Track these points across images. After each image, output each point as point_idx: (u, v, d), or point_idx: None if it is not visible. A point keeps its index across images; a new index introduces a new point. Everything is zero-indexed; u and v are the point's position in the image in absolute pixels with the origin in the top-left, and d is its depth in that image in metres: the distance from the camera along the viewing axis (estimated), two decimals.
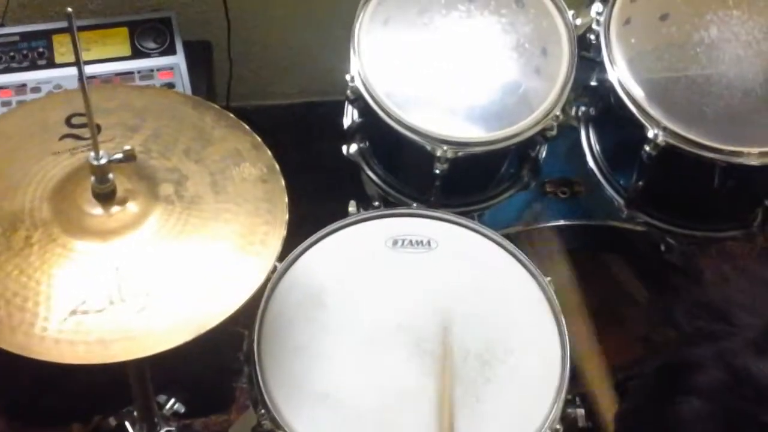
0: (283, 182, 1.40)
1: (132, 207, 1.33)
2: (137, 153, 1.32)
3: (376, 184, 1.84)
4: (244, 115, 1.49)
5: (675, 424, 0.90)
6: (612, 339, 2.22)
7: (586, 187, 1.96)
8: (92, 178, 1.30)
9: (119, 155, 1.29)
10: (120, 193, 1.32)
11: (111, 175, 1.30)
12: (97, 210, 1.32)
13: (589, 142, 1.88)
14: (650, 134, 1.64)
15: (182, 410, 1.84)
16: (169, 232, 1.32)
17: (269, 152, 1.43)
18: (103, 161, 1.28)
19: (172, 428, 1.78)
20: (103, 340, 1.23)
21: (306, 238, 1.60)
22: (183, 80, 1.93)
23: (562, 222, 1.95)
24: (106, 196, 1.31)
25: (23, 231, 1.29)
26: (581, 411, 1.50)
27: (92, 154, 1.28)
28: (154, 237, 1.31)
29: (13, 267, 1.27)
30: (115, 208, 1.32)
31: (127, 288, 1.26)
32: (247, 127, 1.45)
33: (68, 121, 1.42)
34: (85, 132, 1.40)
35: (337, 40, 1.82)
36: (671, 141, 1.64)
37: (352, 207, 1.82)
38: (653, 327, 2.21)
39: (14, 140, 1.41)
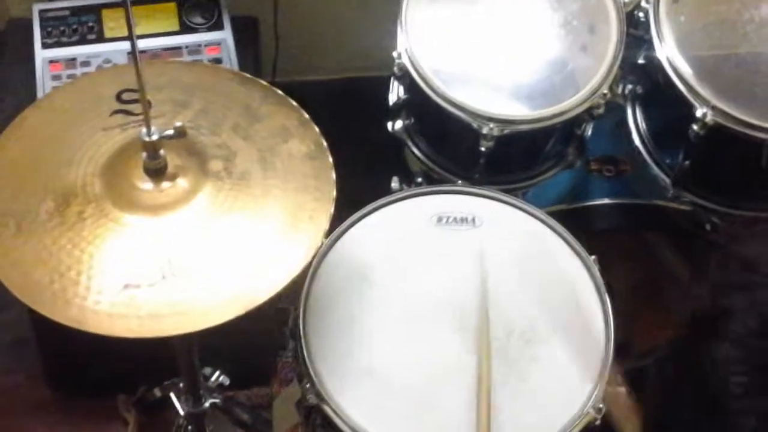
0: (330, 159, 1.41)
1: (182, 183, 1.34)
2: (187, 129, 1.34)
3: (421, 161, 1.85)
4: (288, 90, 1.49)
5: (708, 367, 0.92)
6: (653, 318, 2.22)
7: (631, 165, 1.96)
8: (144, 154, 1.32)
9: (170, 132, 1.31)
10: (170, 168, 1.34)
11: (162, 151, 1.32)
12: (148, 185, 1.33)
13: (635, 120, 1.87)
14: (699, 113, 1.64)
15: (227, 382, 1.86)
16: (219, 208, 1.33)
17: (316, 129, 1.44)
18: (154, 137, 1.29)
19: (217, 400, 1.80)
20: (156, 314, 1.25)
21: (347, 214, 1.61)
22: (230, 56, 1.94)
23: (606, 200, 1.95)
24: (157, 172, 1.33)
25: (76, 206, 1.31)
26: (622, 390, 1.50)
27: (144, 130, 1.29)
28: (205, 212, 1.32)
29: (67, 241, 1.29)
30: (165, 184, 1.33)
31: (178, 263, 1.28)
32: (294, 103, 1.46)
33: (119, 97, 1.44)
34: (135, 108, 1.42)
35: (381, 16, 1.82)
36: (720, 120, 1.63)
37: (395, 183, 1.84)
38: (696, 307, 2.22)
39: (66, 115, 1.43)
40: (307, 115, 1.45)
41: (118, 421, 2.21)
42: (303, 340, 1.47)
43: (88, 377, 2.17)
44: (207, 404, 1.78)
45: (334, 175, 1.39)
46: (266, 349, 2.24)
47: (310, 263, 1.50)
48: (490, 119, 1.65)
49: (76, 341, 1.90)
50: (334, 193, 1.38)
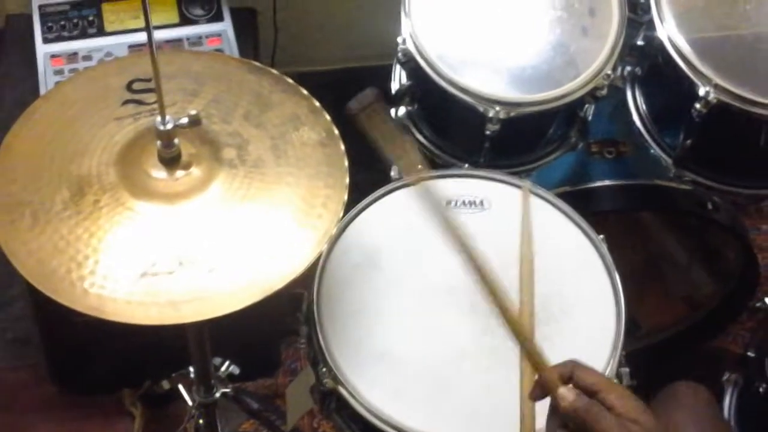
0: (342, 146, 1.42)
1: (196, 171, 1.35)
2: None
3: (425, 147, 1.86)
4: None
5: None
6: (652, 299, 2.24)
7: (631, 147, 1.98)
8: (158, 143, 1.32)
9: (185, 120, 1.32)
10: (184, 157, 1.35)
11: (176, 140, 1.32)
12: (163, 174, 1.34)
13: (635, 102, 1.88)
14: (701, 92, 1.65)
15: (237, 372, 1.86)
16: (233, 196, 1.34)
17: (327, 116, 1.45)
18: (169, 126, 1.30)
19: (228, 390, 1.81)
20: (174, 301, 1.26)
21: (350, 204, 1.61)
22: (231, 47, 1.95)
23: (607, 182, 1.96)
24: (172, 161, 1.34)
25: (91, 195, 1.32)
26: (626, 370, 1.51)
27: (159, 119, 1.30)
28: (220, 200, 1.33)
29: (83, 230, 1.29)
30: (180, 172, 1.34)
31: (195, 250, 1.29)
32: (304, 91, 1.47)
33: (129, 87, 1.45)
34: (146, 97, 1.42)
35: (379, 6, 1.83)
36: (723, 98, 1.64)
37: (394, 172, 1.84)
38: (696, 287, 2.24)
39: (77, 106, 1.43)
40: (317, 103, 1.46)
41: (124, 416, 2.21)
42: (318, 325, 1.48)
43: (92, 373, 2.17)
44: (218, 394, 1.79)
45: (346, 162, 1.41)
46: (270, 341, 2.25)
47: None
48: (496, 102, 1.66)
49: (81, 337, 1.93)
50: (347, 179, 1.39)
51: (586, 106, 1.79)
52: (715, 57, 1.68)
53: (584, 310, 1.53)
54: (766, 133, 1.73)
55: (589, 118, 1.83)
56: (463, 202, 1.62)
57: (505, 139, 1.71)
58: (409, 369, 1.46)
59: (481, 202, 1.62)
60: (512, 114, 1.67)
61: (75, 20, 1.94)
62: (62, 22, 1.93)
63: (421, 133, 1.86)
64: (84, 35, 1.93)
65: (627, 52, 1.83)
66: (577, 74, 1.71)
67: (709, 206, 1.92)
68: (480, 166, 1.77)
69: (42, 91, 1.85)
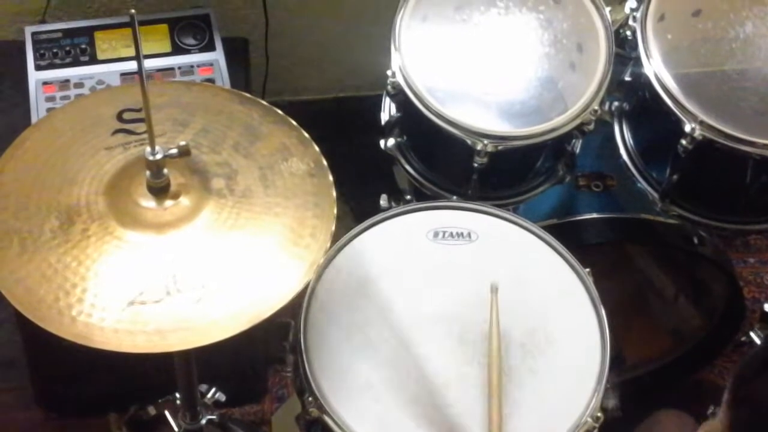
0: (330, 177, 1.43)
1: (185, 201, 1.36)
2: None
3: (414, 178, 1.87)
4: None
5: None
6: (640, 331, 2.25)
7: (618, 181, 1.99)
8: (147, 173, 1.33)
9: (174, 150, 1.33)
10: (173, 187, 1.36)
11: (165, 170, 1.33)
12: (152, 204, 1.35)
13: (622, 136, 1.90)
14: (687, 128, 1.67)
15: (223, 399, 1.87)
16: (222, 225, 1.35)
17: (316, 147, 1.46)
18: (158, 156, 1.31)
19: (214, 416, 1.81)
20: (161, 330, 1.26)
21: (337, 232, 1.62)
22: (223, 76, 1.96)
23: (595, 215, 1.98)
24: (161, 190, 1.34)
25: (80, 224, 1.33)
26: (611, 402, 1.52)
27: (148, 149, 1.31)
28: (208, 230, 1.34)
29: (72, 258, 1.30)
30: (169, 202, 1.35)
31: (183, 279, 1.29)
32: (293, 122, 1.48)
33: (120, 117, 1.46)
34: (136, 127, 1.43)
35: (369, 37, 1.85)
36: (708, 135, 1.66)
37: (383, 201, 1.85)
38: (682, 320, 2.24)
39: (68, 136, 1.44)
40: (306, 134, 1.47)
41: None
42: (304, 354, 1.49)
43: (79, 397, 2.17)
44: (204, 420, 1.79)
45: (334, 193, 1.42)
46: (258, 367, 2.25)
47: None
48: (485, 136, 1.67)
49: (67, 361, 1.93)
50: (335, 210, 1.40)
51: (574, 140, 1.81)
52: (701, 94, 1.70)
53: (569, 342, 1.54)
54: (752, 170, 1.75)
55: (577, 151, 1.85)
56: (451, 234, 1.63)
57: (493, 171, 1.73)
58: (394, 399, 1.46)
59: (469, 234, 1.63)
60: (500, 147, 1.68)
61: (67, 48, 1.95)
62: (55, 50, 1.94)
63: (409, 164, 1.87)
64: (76, 63, 1.94)
65: (614, 87, 1.85)
66: (565, 109, 1.73)
67: (695, 240, 1.93)
68: (468, 198, 1.79)
69: (33, 117, 1.86)
